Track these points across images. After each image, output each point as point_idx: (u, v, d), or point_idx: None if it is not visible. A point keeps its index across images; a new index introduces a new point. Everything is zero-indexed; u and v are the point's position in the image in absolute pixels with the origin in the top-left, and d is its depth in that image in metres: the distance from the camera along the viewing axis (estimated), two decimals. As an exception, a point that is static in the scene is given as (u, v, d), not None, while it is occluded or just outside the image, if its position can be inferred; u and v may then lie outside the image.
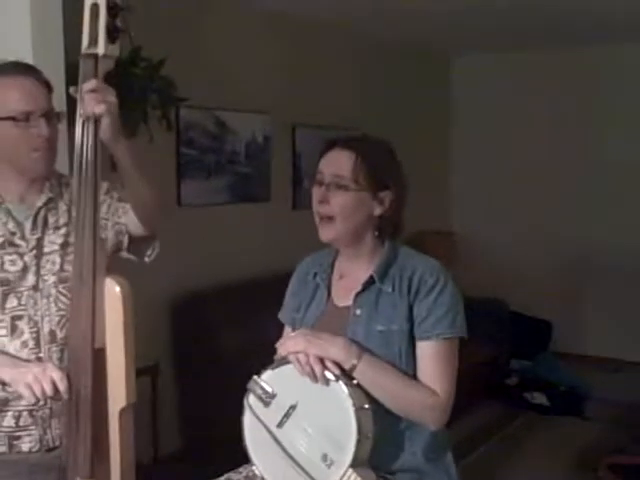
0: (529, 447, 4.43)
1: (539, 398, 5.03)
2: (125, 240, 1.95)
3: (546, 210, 6.09)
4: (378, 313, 1.78)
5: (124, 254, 1.98)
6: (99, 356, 1.76)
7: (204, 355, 3.79)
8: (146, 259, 2.01)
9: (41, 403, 1.88)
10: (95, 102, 1.68)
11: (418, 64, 5.96)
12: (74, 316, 1.76)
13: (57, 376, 1.74)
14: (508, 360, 5.49)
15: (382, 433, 1.71)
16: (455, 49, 6.10)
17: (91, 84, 1.69)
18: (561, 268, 6.00)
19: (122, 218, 1.94)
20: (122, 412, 1.79)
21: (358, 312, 1.80)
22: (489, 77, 6.22)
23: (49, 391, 1.74)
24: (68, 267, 1.87)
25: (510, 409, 4.99)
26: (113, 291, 1.76)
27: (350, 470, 1.66)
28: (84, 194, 1.74)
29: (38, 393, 1.73)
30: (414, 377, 1.76)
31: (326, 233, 1.81)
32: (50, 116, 1.82)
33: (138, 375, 1.95)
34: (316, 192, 1.82)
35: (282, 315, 2.01)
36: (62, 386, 1.74)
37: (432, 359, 1.75)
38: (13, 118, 1.77)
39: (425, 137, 6.01)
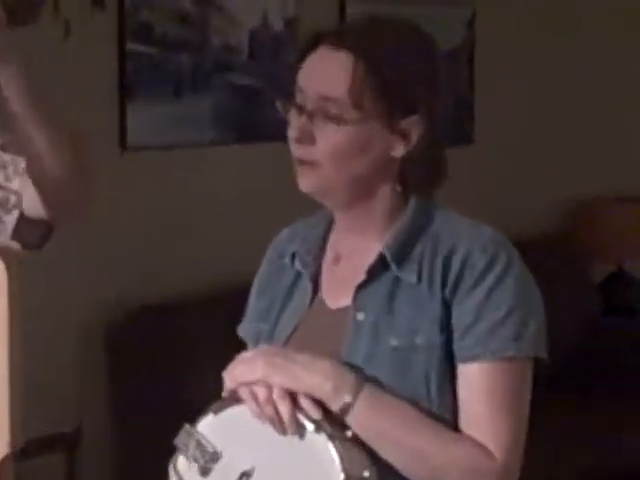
0: None
1: None
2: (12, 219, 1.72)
3: None
4: (393, 318, 1.40)
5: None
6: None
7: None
8: (37, 249, 1.74)
9: None
10: None
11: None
12: None
13: None
14: None
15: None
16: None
17: None
18: None
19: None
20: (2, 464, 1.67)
21: (360, 317, 1.42)
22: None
23: None
24: None
25: None
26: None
27: None
28: None
29: None
30: (452, 426, 1.38)
31: (306, 181, 1.43)
32: None
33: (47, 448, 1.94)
34: (294, 123, 1.41)
35: (242, 328, 1.63)
36: None
37: (483, 394, 1.35)
38: None
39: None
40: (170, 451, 1.40)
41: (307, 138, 1.39)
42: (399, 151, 1.40)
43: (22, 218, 1.67)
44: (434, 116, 1.42)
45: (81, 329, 2.76)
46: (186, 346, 2.62)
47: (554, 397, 3.08)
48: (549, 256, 2.43)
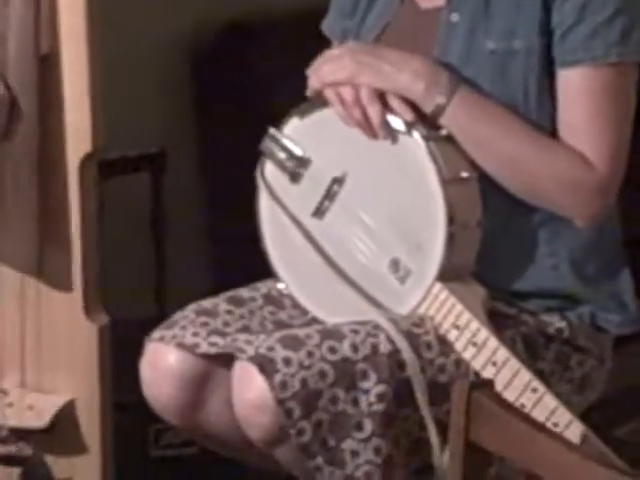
0: None
1: None
2: None
3: None
4: (489, 20, 1.29)
5: None
6: (47, 67, 1.46)
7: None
8: None
9: None
10: None
11: None
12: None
13: None
14: None
15: (498, 229, 1.26)
16: None
17: None
18: None
19: None
20: (85, 163, 1.47)
21: (455, 18, 1.31)
22: None
23: None
24: None
25: None
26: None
27: (438, 285, 1.21)
28: None
29: None
30: (551, 136, 1.28)
31: None
32: None
33: (132, 168, 1.89)
34: None
35: (327, 24, 1.49)
36: None
37: (583, 99, 1.25)
38: None
39: None
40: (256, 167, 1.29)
41: None
42: None
43: None
44: None
45: (165, 49, 2.52)
46: (274, 66, 2.44)
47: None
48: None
